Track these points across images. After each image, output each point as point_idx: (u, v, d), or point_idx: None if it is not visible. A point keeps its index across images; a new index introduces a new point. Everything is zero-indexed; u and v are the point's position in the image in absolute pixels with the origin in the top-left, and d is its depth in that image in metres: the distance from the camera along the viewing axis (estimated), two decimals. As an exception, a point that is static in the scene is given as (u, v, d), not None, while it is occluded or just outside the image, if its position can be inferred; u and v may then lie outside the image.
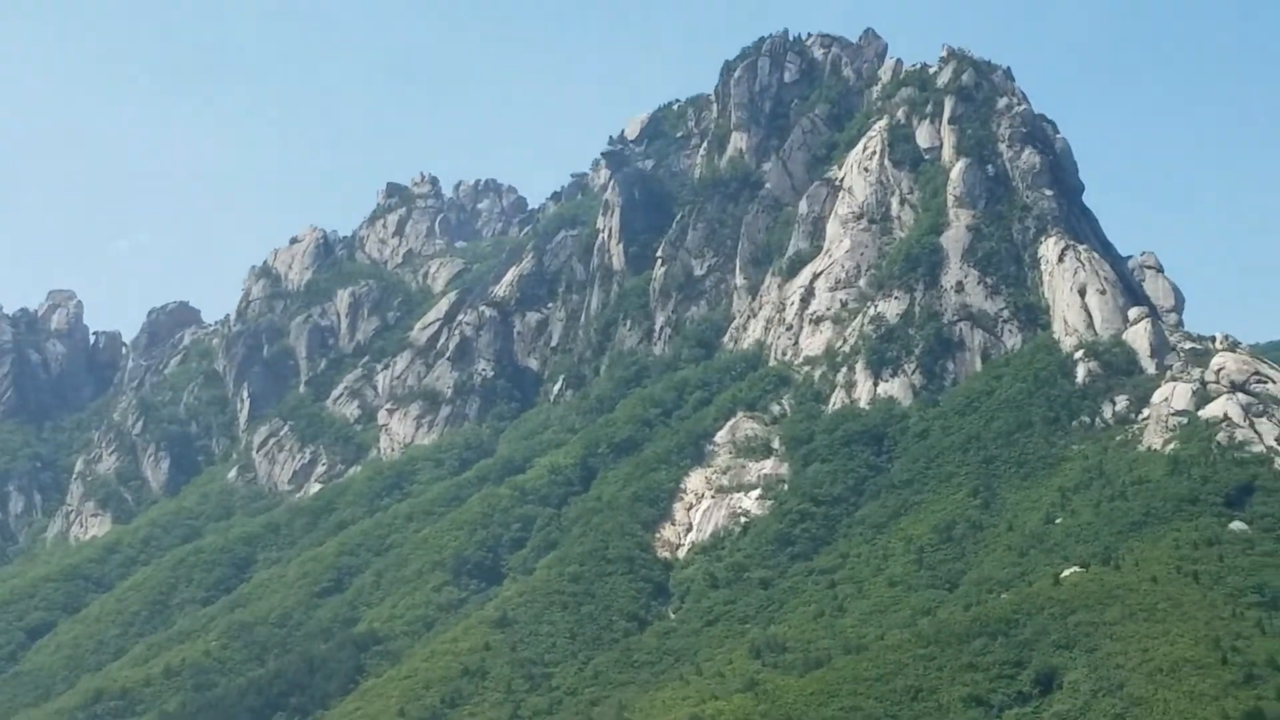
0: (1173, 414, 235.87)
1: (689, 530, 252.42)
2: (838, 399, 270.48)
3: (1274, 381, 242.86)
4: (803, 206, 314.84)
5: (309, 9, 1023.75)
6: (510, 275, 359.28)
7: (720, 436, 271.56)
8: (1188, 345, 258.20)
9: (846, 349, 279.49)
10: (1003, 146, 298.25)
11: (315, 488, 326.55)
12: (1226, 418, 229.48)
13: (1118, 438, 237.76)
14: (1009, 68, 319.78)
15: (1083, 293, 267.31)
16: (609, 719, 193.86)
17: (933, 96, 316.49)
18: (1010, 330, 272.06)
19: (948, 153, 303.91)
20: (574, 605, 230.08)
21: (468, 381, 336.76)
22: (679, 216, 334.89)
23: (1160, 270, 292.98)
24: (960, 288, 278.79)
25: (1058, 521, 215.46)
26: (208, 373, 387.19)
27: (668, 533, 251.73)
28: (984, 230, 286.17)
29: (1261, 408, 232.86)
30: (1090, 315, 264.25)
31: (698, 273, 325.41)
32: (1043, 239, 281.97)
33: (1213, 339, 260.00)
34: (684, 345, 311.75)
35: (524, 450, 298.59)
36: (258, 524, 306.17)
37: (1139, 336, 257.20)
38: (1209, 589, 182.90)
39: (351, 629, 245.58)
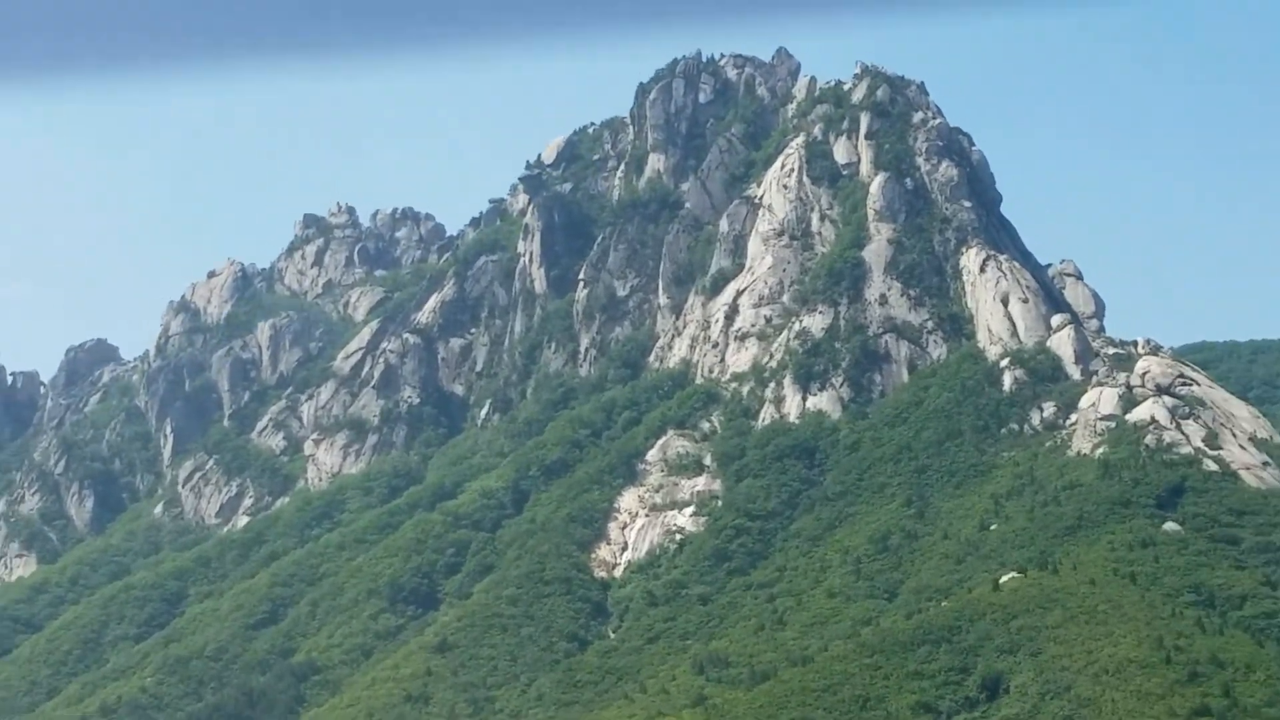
0: (1100, 419, 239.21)
1: (625, 549, 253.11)
2: (767, 414, 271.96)
3: (1198, 384, 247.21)
4: (723, 225, 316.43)
5: (219, 33, 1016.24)
6: (432, 302, 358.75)
7: (651, 455, 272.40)
8: (1111, 351, 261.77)
9: (773, 364, 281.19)
10: (920, 160, 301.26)
11: (243, 520, 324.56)
12: (1154, 421, 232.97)
13: (1047, 444, 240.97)
14: (923, 82, 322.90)
15: (1005, 302, 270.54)
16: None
17: (848, 113, 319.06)
18: (935, 341, 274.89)
19: (865, 168, 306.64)
20: (514, 628, 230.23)
21: (394, 409, 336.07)
22: (600, 238, 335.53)
23: (1080, 278, 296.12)
24: (884, 300, 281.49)
25: (992, 528, 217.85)
26: (129, 409, 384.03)
27: (604, 552, 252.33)
28: (905, 243, 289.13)
29: (1187, 410, 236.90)
30: (1014, 324, 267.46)
31: (621, 294, 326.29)
32: (964, 250, 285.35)
33: (1135, 344, 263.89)
34: (610, 366, 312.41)
35: (453, 475, 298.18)
36: (188, 558, 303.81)
37: (1063, 343, 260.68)
38: (1147, 589, 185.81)
39: (289, 659, 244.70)
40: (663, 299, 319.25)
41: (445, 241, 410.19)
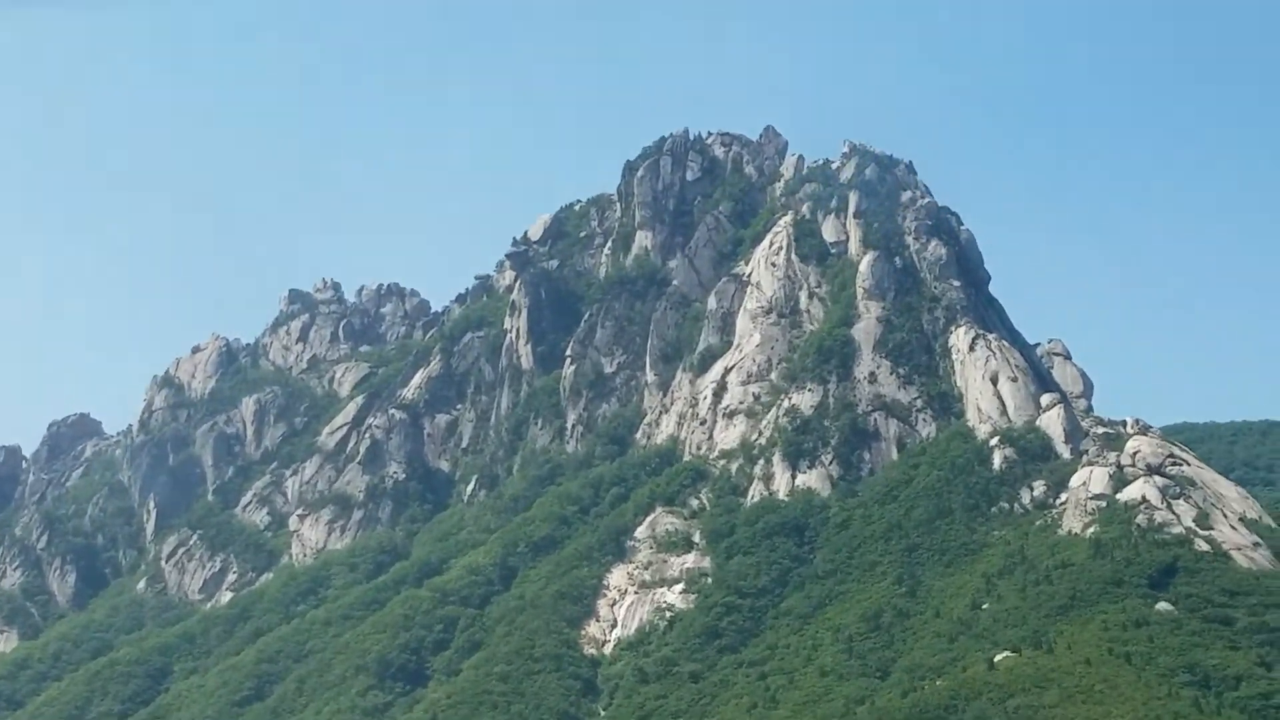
0: (1091, 498, 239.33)
1: (614, 626, 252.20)
2: (756, 491, 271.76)
3: (1188, 464, 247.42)
4: (711, 302, 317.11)
5: (204, 112, 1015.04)
6: (418, 378, 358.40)
7: (640, 532, 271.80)
8: (1100, 430, 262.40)
9: (762, 441, 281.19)
10: (909, 239, 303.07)
11: (227, 596, 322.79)
12: (1145, 500, 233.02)
13: (1037, 522, 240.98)
14: (911, 161, 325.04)
15: (995, 380, 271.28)
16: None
17: (837, 191, 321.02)
18: (925, 419, 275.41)
19: (854, 246, 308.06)
20: (504, 705, 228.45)
21: (379, 485, 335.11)
22: (587, 315, 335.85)
23: (1068, 357, 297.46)
24: (873, 378, 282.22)
25: (985, 607, 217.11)
26: (112, 484, 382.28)
27: (593, 629, 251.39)
28: (894, 321, 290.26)
29: (1178, 490, 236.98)
30: (1003, 402, 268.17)
31: (608, 370, 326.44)
32: (952, 329, 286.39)
33: (1124, 423, 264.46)
34: (597, 442, 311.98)
35: (440, 552, 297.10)
36: (172, 634, 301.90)
37: (1052, 422, 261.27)
38: (1142, 669, 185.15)
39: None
40: (650, 375, 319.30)
41: (430, 318, 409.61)
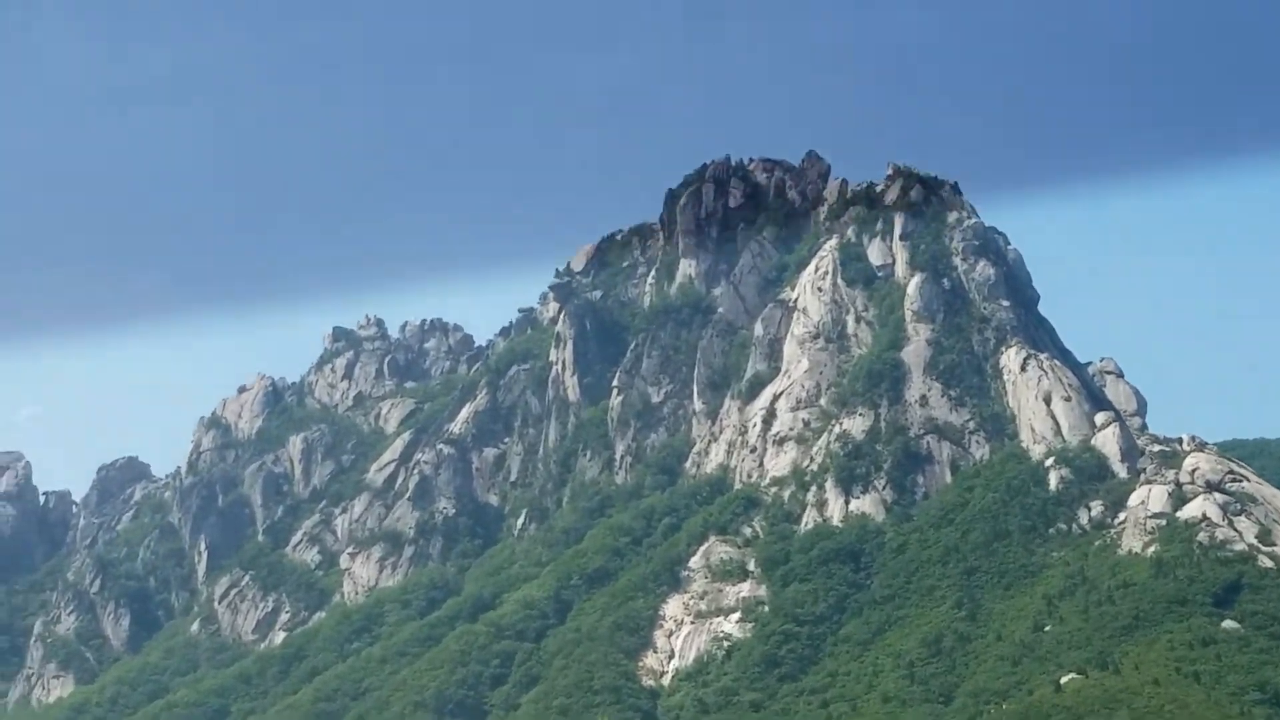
0: (1150, 516, 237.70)
1: (672, 657, 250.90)
2: (810, 518, 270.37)
3: (1249, 479, 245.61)
4: (758, 329, 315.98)
5: (238, 150, 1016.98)
6: (465, 412, 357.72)
7: (694, 561, 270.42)
8: (1156, 448, 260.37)
9: (814, 468, 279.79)
10: (957, 260, 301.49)
11: (280, 636, 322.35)
12: (1205, 518, 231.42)
13: (1096, 543, 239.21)
14: (956, 182, 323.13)
15: (1048, 400, 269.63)
16: None
17: (882, 214, 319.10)
18: (978, 441, 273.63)
19: (901, 269, 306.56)
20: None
21: (429, 520, 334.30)
22: (633, 345, 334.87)
23: (1120, 375, 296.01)
24: (924, 401, 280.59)
25: (1047, 629, 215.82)
26: (162, 526, 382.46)
27: (650, 660, 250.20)
28: (944, 343, 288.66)
29: (1239, 506, 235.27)
30: (1057, 422, 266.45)
31: (655, 400, 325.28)
32: (1003, 349, 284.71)
33: (1180, 440, 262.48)
34: (646, 473, 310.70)
35: (492, 586, 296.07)
36: (228, 675, 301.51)
37: (1108, 441, 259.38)
38: (1211, 689, 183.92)
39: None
40: (698, 404, 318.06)
41: (474, 352, 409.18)
